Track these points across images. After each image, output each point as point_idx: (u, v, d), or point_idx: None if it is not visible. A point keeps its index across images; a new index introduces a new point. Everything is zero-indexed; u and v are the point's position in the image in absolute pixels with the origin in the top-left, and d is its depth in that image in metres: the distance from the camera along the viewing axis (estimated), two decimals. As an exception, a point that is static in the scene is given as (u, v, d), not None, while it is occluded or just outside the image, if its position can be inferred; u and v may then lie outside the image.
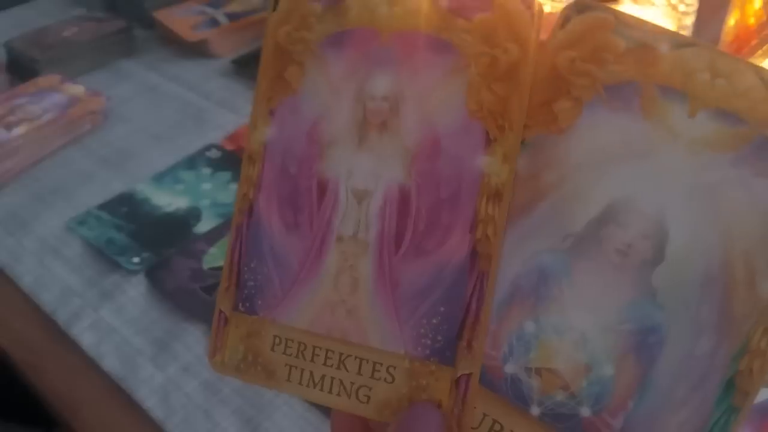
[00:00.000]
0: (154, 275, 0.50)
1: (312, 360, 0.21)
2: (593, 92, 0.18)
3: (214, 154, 0.63)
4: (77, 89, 0.71)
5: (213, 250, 0.52)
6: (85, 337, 0.46)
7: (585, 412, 0.18)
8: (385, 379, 0.20)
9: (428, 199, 0.21)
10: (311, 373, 0.21)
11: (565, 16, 0.19)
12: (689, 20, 0.70)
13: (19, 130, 0.65)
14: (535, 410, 0.18)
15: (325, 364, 0.21)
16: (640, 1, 0.69)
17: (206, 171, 0.61)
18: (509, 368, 0.19)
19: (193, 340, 0.46)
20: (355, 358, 0.21)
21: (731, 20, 0.63)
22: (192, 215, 0.56)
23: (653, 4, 0.68)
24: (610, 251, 0.18)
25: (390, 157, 0.21)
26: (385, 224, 0.21)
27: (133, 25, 0.82)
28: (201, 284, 0.49)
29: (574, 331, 0.18)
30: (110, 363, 0.44)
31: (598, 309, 0.18)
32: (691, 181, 0.17)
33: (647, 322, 0.17)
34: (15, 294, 0.51)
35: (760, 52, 0.60)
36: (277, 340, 0.22)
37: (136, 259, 0.51)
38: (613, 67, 0.18)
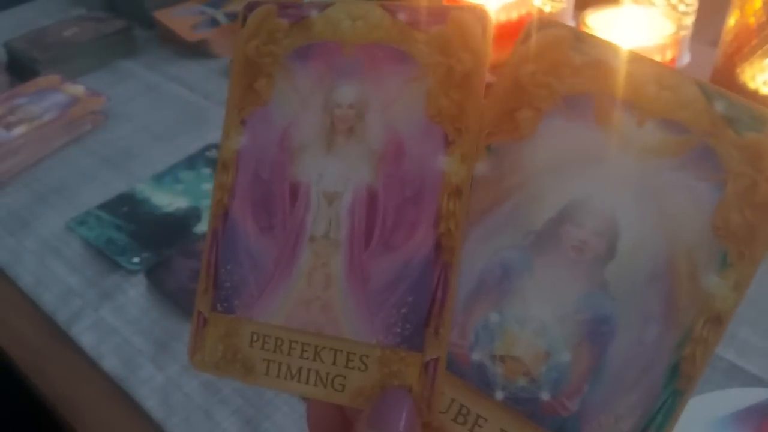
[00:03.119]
0: (154, 275, 0.50)
1: (289, 354, 0.23)
2: (552, 103, 0.20)
3: (214, 154, 0.63)
4: (77, 89, 0.71)
5: (213, 250, 0.52)
6: (85, 337, 0.46)
7: (545, 395, 0.19)
8: (358, 368, 0.22)
9: (394, 198, 0.22)
10: (288, 366, 0.23)
11: (527, 33, 0.21)
12: (689, 20, 0.70)
13: (19, 130, 0.65)
14: (499, 395, 0.20)
15: (301, 356, 0.23)
16: (640, 1, 0.69)
17: (206, 171, 0.61)
18: (476, 356, 0.20)
19: (193, 340, 0.46)
20: (330, 349, 0.22)
21: (731, 20, 0.63)
22: (192, 215, 0.56)
23: (653, 4, 0.68)
24: (566, 247, 0.19)
25: (357, 160, 0.22)
26: (355, 223, 0.22)
27: (133, 25, 0.82)
28: (201, 284, 0.49)
29: (534, 321, 0.19)
30: (110, 363, 0.44)
31: (556, 300, 0.19)
32: (640, 184, 0.19)
33: (600, 312, 0.19)
34: (15, 294, 0.51)
35: (760, 51, 0.60)
36: (255, 337, 0.23)
37: (136, 259, 0.52)
38: (570, 80, 0.20)
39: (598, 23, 0.64)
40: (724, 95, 0.19)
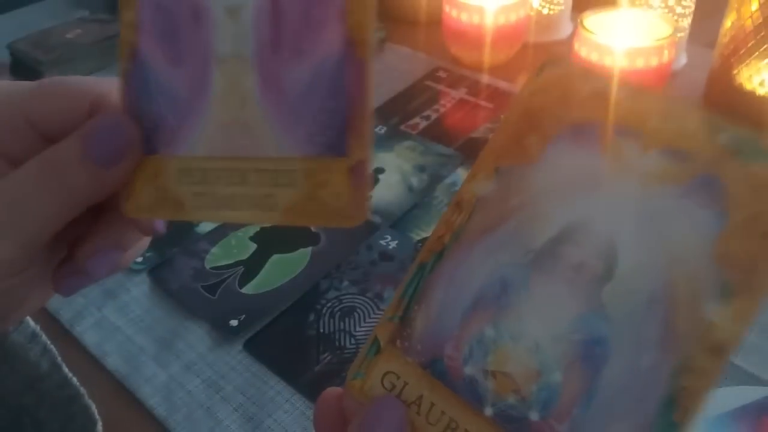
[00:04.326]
0: (157, 274, 0.51)
1: (216, 183, 0.22)
2: (559, 130, 0.21)
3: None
4: (80, 91, 0.71)
5: (215, 250, 0.52)
6: (88, 335, 0.47)
7: (534, 416, 0.19)
8: (286, 185, 0.21)
9: (296, 3, 0.21)
10: (217, 195, 0.22)
11: (540, 68, 0.22)
12: (686, 22, 0.71)
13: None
14: (489, 411, 0.19)
15: (229, 183, 0.22)
16: (637, 4, 0.69)
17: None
18: (468, 370, 0.20)
19: (196, 338, 0.46)
20: (255, 170, 0.22)
21: (728, 22, 0.63)
22: (194, 215, 0.56)
23: (650, 7, 0.69)
24: (565, 267, 0.19)
25: None
26: (261, 35, 0.22)
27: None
28: (203, 283, 0.50)
29: (528, 338, 0.19)
30: (113, 361, 0.45)
31: (551, 319, 0.19)
32: (642, 209, 0.19)
33: (595, 333, 0.18)
34: (19, 293, 0.52)
35: (756, 53, 0.61)
36: (181, 173, 0.23)
37: (139, 259, 0.52)
38: (577, 110, 0.21)
39: (595, 25, 0.64)
40: (729, 125, 0.19)
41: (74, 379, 0.37)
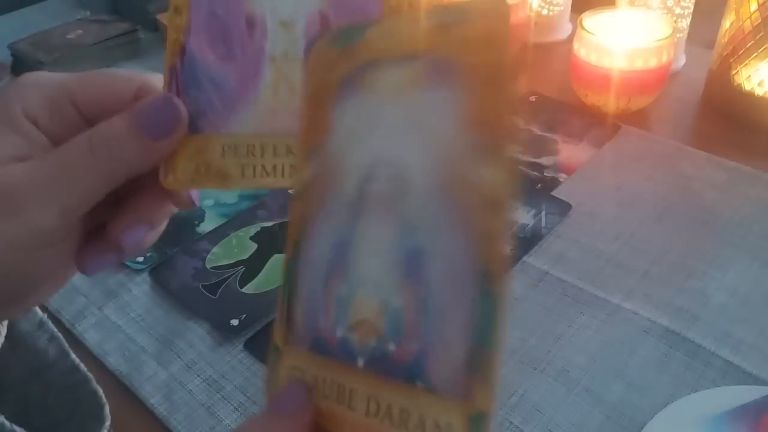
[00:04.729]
0: (158, 274, 0.51)
1: (262, 156, 0.25)
2: (331, 93, 0.22)
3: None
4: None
5: (216, 250, 0.53)
6: (89, 335, 0.47)
7: (391, 347, 0.19)
8: None
9: (343, 18, 0.25)
10: (263, 166, 0.25)
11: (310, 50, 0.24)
12: (685, 22, 0.71)
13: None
14: (360, 362, 0.20)
15: (274, 155, 0.25)
16: (636, 4, 0.69)
17: (209, 172, 0.61)
18: (338, 333, 0.20)
19: (196, 338, 0.46)
20: None
21: (726, 22, 0.63)
22: (195, 215, 0.56)
23: (649, 7, 0.69)
24: (373, 204, 0.20)
25: None
26: (311, 38, 0.25)
27: (137, 27, 0.83)
28: (204, 283, 0.50)
29: (368, 280, 0.20)
30: (114, 360, 0.45)
31: (378, 254, 0.20)
32: (409, 121, 0.20)
33: (411, 247, 0.19)
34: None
35: (755, 54, 0.61)
36: (226, 148, 0.26)
37: (140, 258, 0.52)
38: (337, 71, 0.22)
39: (595, 26, 0.64)
40: (432, 10, 0.20)
41: (81, 365, 0.37)
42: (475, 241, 0.18)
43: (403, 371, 0.19)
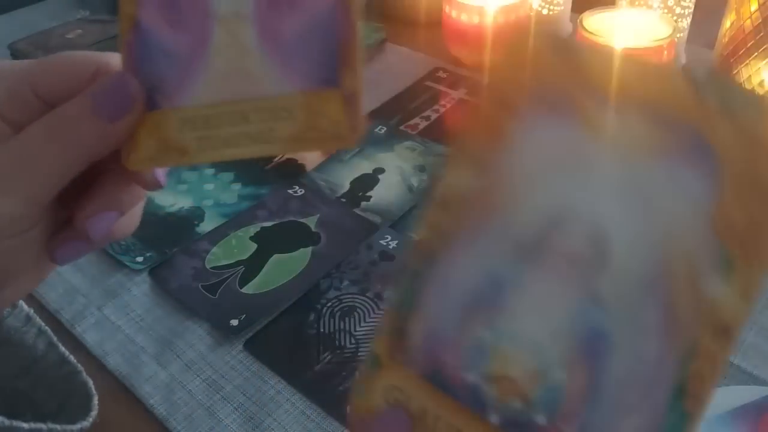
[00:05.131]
0: (158, 274, 0.51)
1: (218, 127, 0.24)
2: (532, 107, 0.19)
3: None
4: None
5: (215, 250, 0.52)
6: (89, 335, 0.47)
7: (540, 419, 0.18)
8: (285, 118, 0.23)
9: None
10: (219, 137, 0.24)
11: (506, 46, 0.21)
12: (685, 22, 0.71)
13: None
14: (494, 418, 0.18)
15: (230, 125, 0.24)
16: (636, 4, 0.69)
17: (209, 171, 0.61)
18: (469, 377, 0.19)
19: (196, 338, 0.46)
20: (256, 110, 0.24)
21: (727, 22, 0.63)
22: (195, 215, 0.56)
23: (650, 7, 0.69)
24: (555, 259, 0.18)
25: None
26: None
27: (136, 27, 0.83)
28: (203, 283, 0.50)
29: (526, 337, 0.18)
30: (114, 361, 0.45)
31: (548, 315, 0.18)
32: (628, 184, 0.17)
33: (594, 326, 0.17)
34: (20, 293, 0.52)
35: (756, 54, 0.61)
36: (183, 122, 0.24)
37: (139, 258, 0.52)
38: (550, 84, 0.19)
39: (595, 26, 0.64)
40: (712, 82, 0.17)
41: (71, 357, 0.37)
42: (682, 355, 0.16)
43: None
